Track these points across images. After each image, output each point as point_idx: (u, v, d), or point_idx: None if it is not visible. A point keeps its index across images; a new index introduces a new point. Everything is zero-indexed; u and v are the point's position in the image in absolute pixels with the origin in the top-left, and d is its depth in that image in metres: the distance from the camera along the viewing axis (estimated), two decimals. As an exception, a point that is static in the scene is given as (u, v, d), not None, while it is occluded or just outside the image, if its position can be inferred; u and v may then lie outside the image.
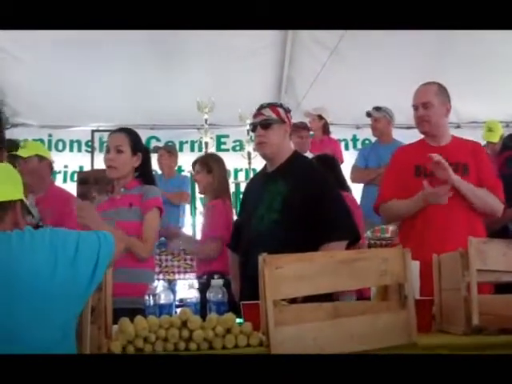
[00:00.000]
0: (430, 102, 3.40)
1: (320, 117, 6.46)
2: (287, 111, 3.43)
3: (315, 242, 3.04)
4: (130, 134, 3.44)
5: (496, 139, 5.82)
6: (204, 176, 4.47)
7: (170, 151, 6.71)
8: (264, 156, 3.42)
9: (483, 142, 5.91)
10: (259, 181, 3.50)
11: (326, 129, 6.53)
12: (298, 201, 3.17)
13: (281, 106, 3.47)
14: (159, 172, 6.58)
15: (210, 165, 4.49)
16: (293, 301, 2.37)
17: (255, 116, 3.39)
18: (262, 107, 3.39)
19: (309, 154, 5.50)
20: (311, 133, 6.57)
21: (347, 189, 4.49)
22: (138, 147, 3.44)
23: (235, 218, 4.16)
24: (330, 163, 4.51)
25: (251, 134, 5.99)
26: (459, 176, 3.30)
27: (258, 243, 3.06)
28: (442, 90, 3.46)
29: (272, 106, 3.40)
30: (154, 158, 6.47)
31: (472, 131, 6.20)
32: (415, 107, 3.46)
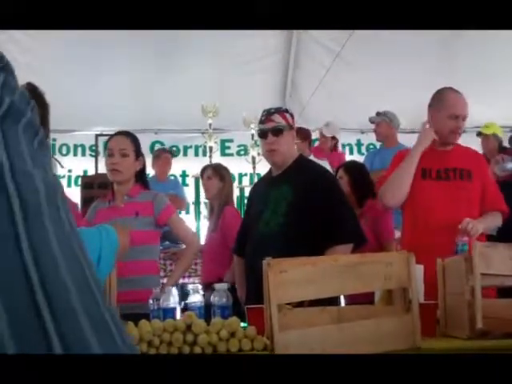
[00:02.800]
0: (467, 115, 3.47)
1: (332, 137, 6.45)
2: (292, 116, 3.44)
3: (321, 245, 3.05)
4: (133, 138, 3.48)
5: (488, 131, 5.87)
6: (216, 182, 4.57)
7: (173, 154, 6.67)
8: (273, 163, 3.39)
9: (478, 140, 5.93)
10: (264, 185, 3.50)
11: (335, 146, 6.53)
12: (303, 204, 3.17)
13: (287, 111, 3.45)
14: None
15: (222, 173, 4.61)
16: (299, 305, 2.37)
17: (264, 122, 3.34)
18: (270, 113, 3.35)
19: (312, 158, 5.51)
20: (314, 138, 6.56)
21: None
22: (140, 151, 3.49)
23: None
24: (359, 171, 4.53)
25: (256, 138, 6.01)
26: (464, 181, 3.38)
27: (263, 247, 3.06)
28: None
29: (280, 111, 3.38)
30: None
31: (475, 136, 6.18)
32: (456, 116, 3.45)
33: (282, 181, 3.32)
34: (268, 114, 3.35)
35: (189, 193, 6.71)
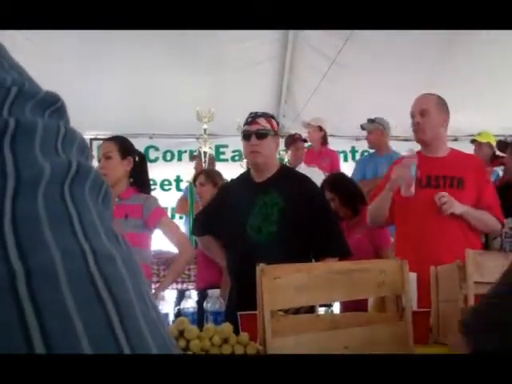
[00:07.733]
0: (427, 109, 3.40)
1: (320, 128, 6.47)
2: (278, 124, 3.47)
3: (310, 254, 3.20)
4: (117, 139, 3.47)
5: (482, 139, 5.90)
6: (209, 188, 4.53)
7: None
8: (255, 165, 3.37)
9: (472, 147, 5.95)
10: (245, 190, 3.44)
11: (324, 140, 6.55)
12: (295, 213, 3.20)
13: (273, 117, 3.46)
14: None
15: (215, 179, 4.56)
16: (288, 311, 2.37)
17: (249, 124, 3.34)
18: (256, 116, 3.35)
19: (303, 165, 5.54)
20: (308, 144, 6.60)
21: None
22: (128, 151, 3.46)
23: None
24: (344, 185, 4.50)
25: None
26: (454, 189, 3.33)
27: (259, 255, 3.00)
28: (440, 101, 3.47)
29: (267, 116, 3.38)
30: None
31: (470, 144, 6.20)
32: (412, 114, 3.46)
33: (269, 188, 3.31)
34: (254, 117, 3.35)
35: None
